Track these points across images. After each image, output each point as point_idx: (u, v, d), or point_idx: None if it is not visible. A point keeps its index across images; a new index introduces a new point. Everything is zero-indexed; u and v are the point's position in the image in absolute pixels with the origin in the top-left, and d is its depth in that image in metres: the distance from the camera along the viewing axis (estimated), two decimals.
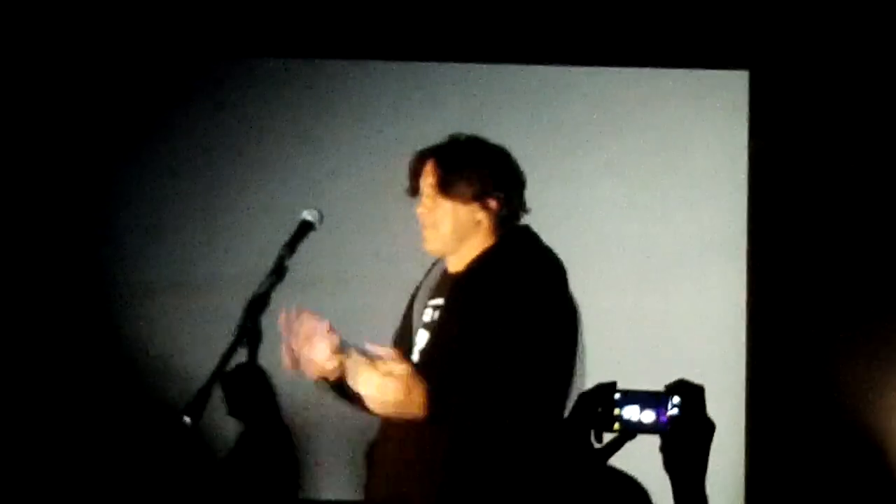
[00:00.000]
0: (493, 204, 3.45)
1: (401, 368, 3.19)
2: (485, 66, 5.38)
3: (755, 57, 5.24)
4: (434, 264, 3.58)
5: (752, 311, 5.18)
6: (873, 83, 5.25)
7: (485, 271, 3.44)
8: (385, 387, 3.22)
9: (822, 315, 5.22)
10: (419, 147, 3.75)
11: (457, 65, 5.41)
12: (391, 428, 3.38)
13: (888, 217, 5.28)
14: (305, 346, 3.35)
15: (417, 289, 3.60)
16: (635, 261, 5.19)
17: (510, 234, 3.50)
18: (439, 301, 3.47)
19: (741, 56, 5.23)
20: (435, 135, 3.54)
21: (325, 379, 3.41)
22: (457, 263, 3.47)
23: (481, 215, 3.46)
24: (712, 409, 2.24)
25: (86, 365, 5.51)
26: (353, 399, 3.39)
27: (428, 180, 3.48)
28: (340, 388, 3.42)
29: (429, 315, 3.50)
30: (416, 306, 3.56)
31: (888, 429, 5.21)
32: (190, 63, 5.56)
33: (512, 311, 3.34)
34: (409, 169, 3.54)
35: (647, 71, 5.26)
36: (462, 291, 3.43)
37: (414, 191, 3.54)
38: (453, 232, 3.47)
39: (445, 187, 3.45)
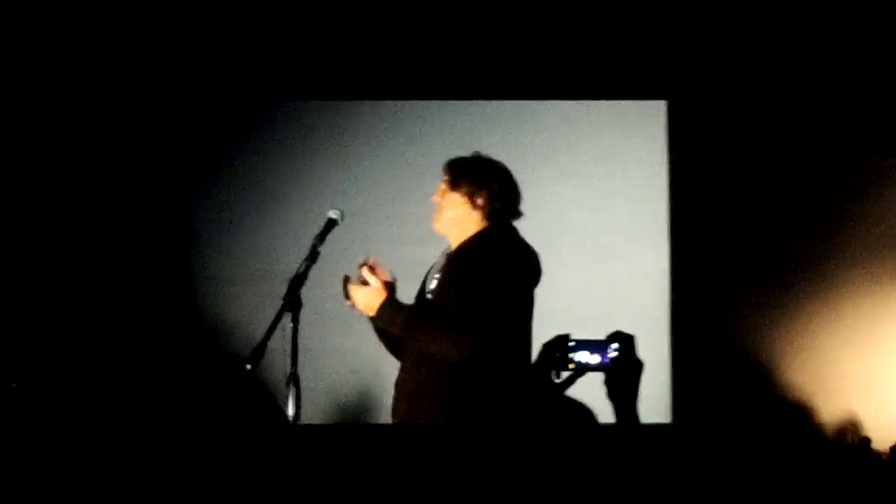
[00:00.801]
0: (481, 200, 3.57)
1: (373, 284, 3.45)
2: (472, 102, 5.29)
3: (672, 88, 5.21)
4: (443, 252, 3.65)
5: (673, 278, 5.18)
6: (772, 105, 5.24)
7: (466, 250, 3.56)
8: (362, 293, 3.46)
9: (728, 281, 5.24)
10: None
11: (433, 102, 5.31)
12: (407, 364, 3.52)
13: (776, 211, 5.31)
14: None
15: (430, 270, 3.68)
16: (584, 243, 5.19)
17: (493, 227, 3.58)
18: (437, 274, 3.60)
19: (660, 88, 5.20)
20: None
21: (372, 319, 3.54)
22: (453, 245, 3.60)
23: (475, 207, 3.58)
24: (642, 352, 2.26)
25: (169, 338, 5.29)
26: (385, 339, 3.59)
27: (442, 178, 3.64)
28: (380, 331, 3.59)
29: (433, 285, 3.60)
30: (427, 280, 3.65)
31: (778, 361, 5.24)
32: (248, 104, 5.41)
33: (478, 273, 3.47)
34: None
35: (589, 102, 5.24)
36: (451, 263, 3.56)
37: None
38: (452, 216, 3.58)
39: (453, 183, 3.61)
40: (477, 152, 3.69)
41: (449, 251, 3.62)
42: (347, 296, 3.54)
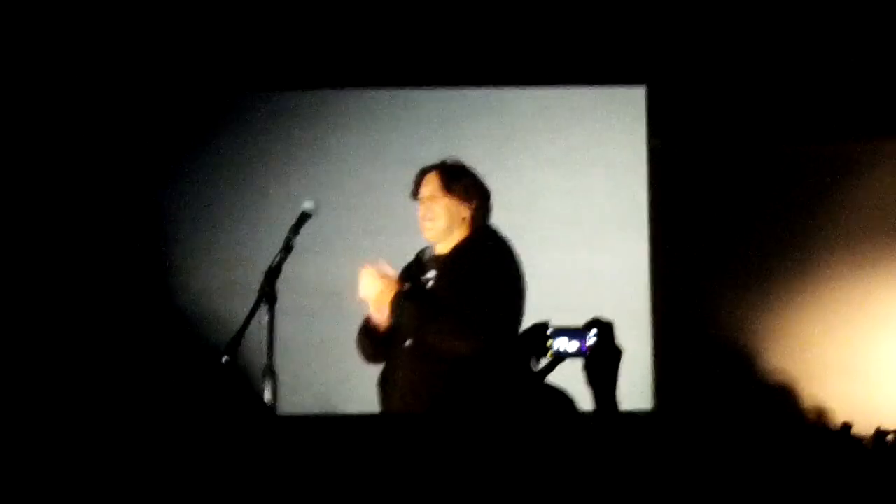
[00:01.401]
0: (473, 205, 3.69)
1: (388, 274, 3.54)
2: (449, 90, 5.26)
3: (651, 73, 5.22)
4: (421, 252, 3.75)
5: (653, 265, 5.18)
6: (753, 90, 5.25)
7: (465, 252, 3.67)
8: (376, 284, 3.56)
9: (709, 268, 5.27)
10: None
11: (408, 90, 5.26)
12: (401, 357, 3.58)
13: (757, 198, 5.32)
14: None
15: (410, 270, 3.74)
16: (563, 231, 5.18)
17: (481, 230, 3.72)
18: (431, 274, 3.68)
19: (640, 73, 5.20)
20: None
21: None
22: (443, 248, 3.70)
23: (466, 213, 3.68)
24: (621, 339, 2.28)
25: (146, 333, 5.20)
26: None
27: (431, 185, 3.70)
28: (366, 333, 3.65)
29: (426, 283, 3.66)
30: (415, 277, 3.70)
31: (758, 347, 5.26)
32: (225, 96, 5.35)
33: (482, 274, 3.60)
34: (415, 179, 3.74)
35: (567, 89, 5.24)
36: (450, 265, 3.65)
37: (416, 195, 3.74)
38: (447, 224, 3.66)
39: (447, 189, 3.68)
40: (444, 159, 3.76)
41: (433, 254, 3.71)
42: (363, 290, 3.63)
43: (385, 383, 3.65)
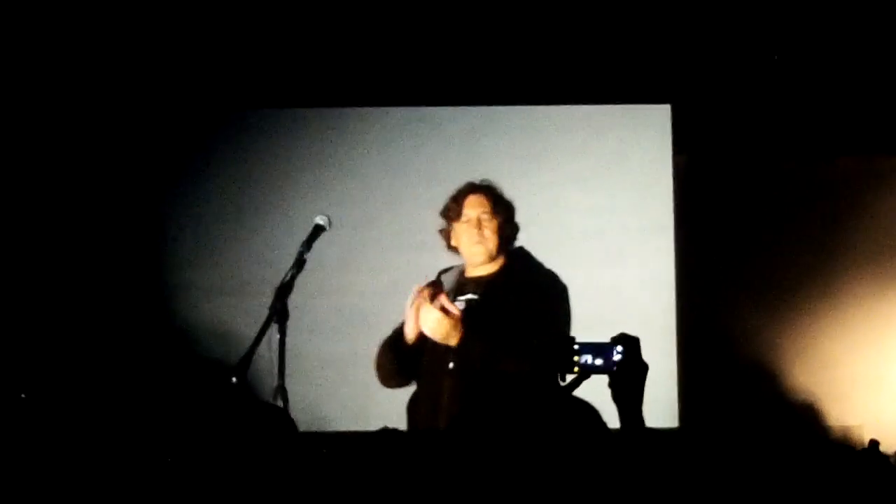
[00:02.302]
0: (508, 228, 3.68)
1: (455, 313, 3.47)
2: (472, 108, 5.26)
3: (676, 91, 5.23)
4: (444, 272, 3.69)
5: (678, 281, 5.18)
6: (776, 107, 5.25)
7: (518, 275, 3.64)
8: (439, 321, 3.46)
9: (734, 285, 5.26)
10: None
11: (431, 108, 5.25)
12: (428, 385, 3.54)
13: (782, 215, 5.32)
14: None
15: (433, 284, 3.63)
16: (590, 248, 5.17)
17: (518, 251, 3.72)
18: (472, 296, 3.62)
19: (664, 91, 5.22)
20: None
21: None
22: (483, 270, 3.66)
23: (508, 234, 3.68)
24: (647, 355, 2.27)
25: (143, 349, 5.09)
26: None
27: (480, 207, 3.66)
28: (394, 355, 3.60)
29: (461, 305, 3.59)
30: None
31: (784, 365, 5.24)
32: (228, 111, 5.31)
33: (543, 297, 3.59)
34: (454, 199, 3.69)
35: (593, 107, 5.24)
36: (499, 289, 3.61)
37: (457, 216, 3.68)
38: (496, 246, 3.64)
39: (495, 211, 3.65)
40: (487, 180, 3.72)
41: (471, 277, 3.65)
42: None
43: (422, 406, 3.56)
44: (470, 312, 3.55)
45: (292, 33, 5.15)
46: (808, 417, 5.17)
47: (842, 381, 5.19)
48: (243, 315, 4.80)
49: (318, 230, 3.50)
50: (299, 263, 3.42)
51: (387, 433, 2.32)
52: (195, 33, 5.12)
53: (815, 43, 5.13)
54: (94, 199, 5.22)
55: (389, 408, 3.70)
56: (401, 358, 3.61)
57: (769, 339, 5.23)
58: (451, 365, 3.51)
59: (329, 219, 3.51)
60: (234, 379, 3.04)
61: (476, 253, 3.65)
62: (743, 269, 5.29)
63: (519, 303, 3.55)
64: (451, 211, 3.70)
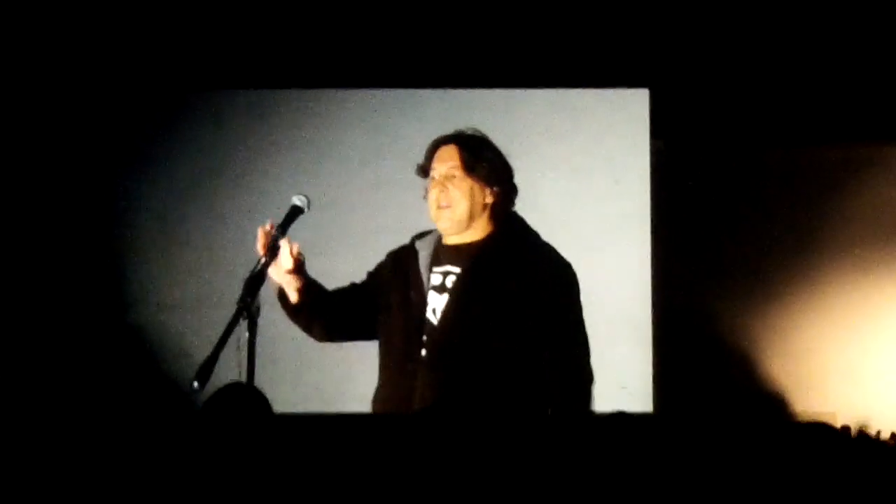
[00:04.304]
0: (497, 190, 3.16)
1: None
2: (444, 91, 5.20)
3: (654, 77, 5.23)
4: (418, 238, 3.26)
5: (654, 269, 5.18)
6: (756, 92, 5.27)
7: (506, 246, 3.14)
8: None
9: (710, 271, 5.31)
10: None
11: (428, 91, 5.19)
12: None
13: (759, 202, 5.36)
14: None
15: (405, 251, 3.22)
16: (564, 234, 5.08)
17: (512, 218, 3.21)
18: (451, 268, 3.16)
19: (642, 76, 5.21)
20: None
21: (283, 293, 3.14)
22: (464, 238, 3.16)
23: (489, 199, 3.16)
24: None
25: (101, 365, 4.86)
26: (296, 317, 3.19)
27: (449, 161, 3.16)
28: (292, 307, 3.17)
29: (437, 279, 3.15)
30: (422, 271, 3.16)
31: (760, 352, 5.29)
32: (190, 94, 5.17)
33: (547, 279, 3.09)
34: (427, 152, 3.21)
35: (570, 91, 5.21)
36: (485, 262, 3.11)
37: (425, 172, 3.20)
38: (468, 211, 3.13)
39: (469, 168, 3.13)
40: (462, 129, 3.24)
41: (448, 245, 3.16)
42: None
43: (390, 405, 3.10)
44: (448, 289, 3.10)
45: (279, 13, 5.10)
46: (780, 405, 5.23)
47: (816, 370, 5.25)
48: (208, 326, 4.67)
49: (295, 211, 3.06)
50: (272, 250, 3.00)
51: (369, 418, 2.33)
52: (179, 14, 5.02)
53: (798, 28, 5.13)
54: (37, 194, 5.02)
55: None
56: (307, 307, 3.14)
57: (744, 327, 5.28)
58: (423, 353, 3.08)
59: (308, 199, 3.07)
60: (195, 384, 2.61)
61: (441, 218, 3.14)
62: (719, 256, 5.34)
63: (514, 282, 3.06)
64: (422, 167, 3.21)
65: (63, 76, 5.04)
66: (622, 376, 4.46)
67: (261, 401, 2.27)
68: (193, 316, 4.98)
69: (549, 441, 1.71)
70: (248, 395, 2.26)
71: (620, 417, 2.24)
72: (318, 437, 2.47)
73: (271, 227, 3.04)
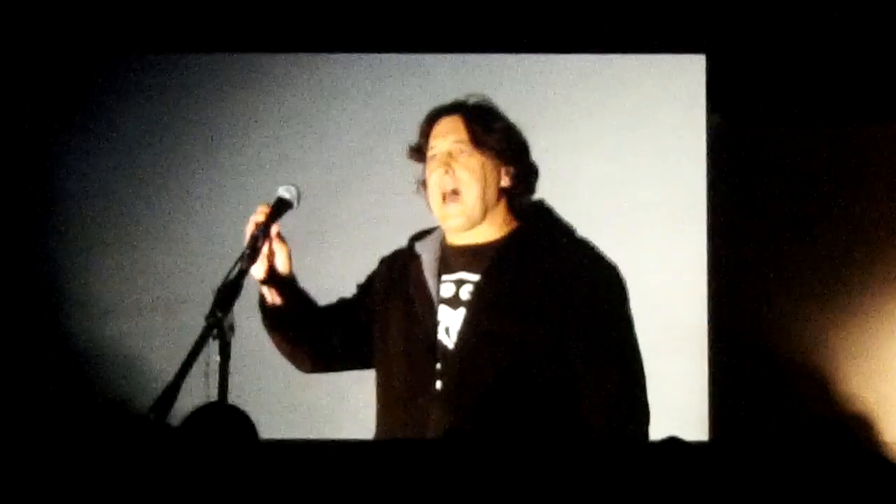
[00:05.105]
0: (514, 170, 3.04)
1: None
2: (461, 56, 5.21)
3: (711, 42, 5.23)
4: (416, 238, 3.14)
5: (711, 269, 5.19)
6: (817, 61, 5.27)
7: (533, 245, 3.01)
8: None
9: (777, 271, 5.31)
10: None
11: (436, 55, 5.20)
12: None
13: (833, 187, 5.35)
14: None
15: (403, 256, 3.10)
16: (608, 223, 5.07)
17: (538, 209, 3.07)
18: (465, 276, 3.01)
19: (699, 41, 5.21)
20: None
21: (263, 300, 3.01)
22: (477, 237, 3.02)
23: (505, 181, 3.01)
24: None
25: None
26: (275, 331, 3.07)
27: (452, 137, 3.01)
28: (273, 323, 3.04)
29: (449, 290, 3.02)
30: (427, 280, 3.02)
31: (835, 369, 5.30)
32: (154, 55, 5.15)
33: (592, 289, 2.96)
34: (421, 127, 3.08)
35: (610, 57, 5.23)
36: (509, 266, 2.97)
37: (420, 153, 3.07)
38: (481, 198, 2.98)
39: (478, 140, 2.98)
40: (463, 98, 3.08)
41: (463, 246, 3.00)
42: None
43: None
44: (464, 302, 2.96)
45: None
46: (860, 431, 5.24)
47: None
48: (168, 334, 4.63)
49: (281, 206, 2.95)
50: (253, 253, 2.87)
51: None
52: None
53: None
54: None
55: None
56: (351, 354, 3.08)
57: (816, 339, 5.29)
58: (437, 384, 2.94)
59: (297, 190, 2.96)
60: (151, 415, 2.45)
61: (447, 214, 2.96)
62: (789, 255, 5.34)
63: (547, 291, 2.89)
64: (416, 146, 3.06)
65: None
66: (673, 397, 4.47)
67: (246, 424, 2.31)
68: (155, 325, 4.95)
69: (593, 474, 1.74)
70: (230, 417, 2.29)
71: (671, 445, 2.26)
72: (311, 466, 2.48)
73: (265, 216, 2.92)
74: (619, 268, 3.11)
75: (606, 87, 5.28)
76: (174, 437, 2.18)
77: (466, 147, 2.98)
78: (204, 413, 2.30)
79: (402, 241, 3.26)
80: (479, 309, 2.94)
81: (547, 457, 1.80)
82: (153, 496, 2.14)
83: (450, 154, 2.98)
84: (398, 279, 3.07)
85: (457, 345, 2.92)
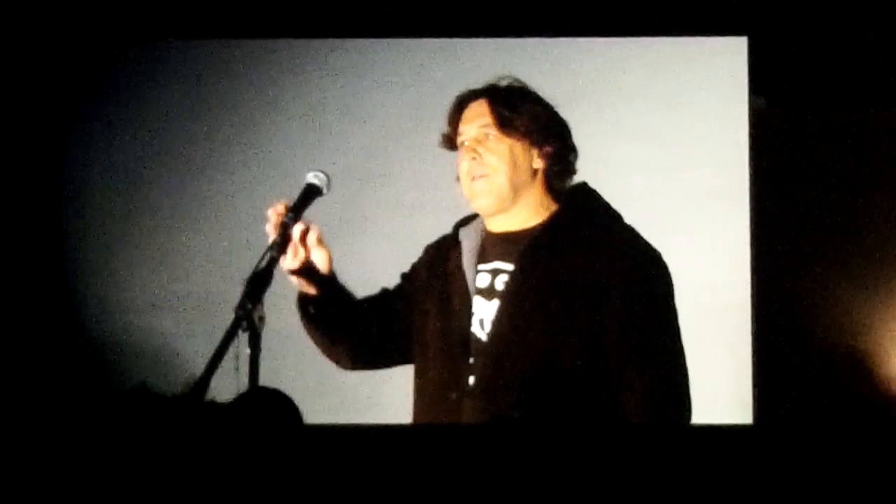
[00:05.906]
0: (548, 150, 2.99)
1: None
2: (498, 40, 5.19)
3: (753, 24, 5.20)
4: (462, 224, 3.10)
5: (754, 254, 5.17)
6: (862, 41, 5.25)
7: (572, 231, 2.94)
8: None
9: (822, 256, 5.30)
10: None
11: (467, 40, 5.19)
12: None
13: (882, 171, 5.34)
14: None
15: (447, 243, 3.06)
16: (645, 212, 4.97)
17: (578, 192, 3.01)
18: (500, 265, 2.96)
19: (740, 23, 5.18)
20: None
21: (305, 298, 2.96)
22: (514, 223, 2.97)
23: (539, 164, 2.97)
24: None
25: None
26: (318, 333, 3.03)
27: (478, 122, 2.98)
28: (311, 319, 3.00)
29: (485, 280, 2.97)
30: (465, 270, 2.96)
31: (883, 352, 5.30)
32: (176, 42, 5.13)
33: (634, 278, 2.89)
34: (450, 114, 3.07)
35: (649, 40, 5.21)
36: (545, 254, 2.91)
37: (451, 142, 3.04)
38: (510, 180, 2.94)
39: (505, 124, 2.94)
40: (496, 80, 3.03)
41: (501, 233, 2.94)
42: None
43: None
44: (498, 293, 2.89)
45: None
46: None
47: None
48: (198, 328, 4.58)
49: (311, 192, 2.91)
50: (283, 242, 2.84)
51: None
52: None
53: None
54: None
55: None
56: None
57: (861, 324, 5.28)
58: (470, 379, 2.89)
59: (327, 176, 2.92)
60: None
61: (477, 193, 2.91)
62: (834, 238, 5.33)
63: (587, 281, 2.81)
64: (447, 135, 3.03)
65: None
66: (717, 382, 4.46)
67: (291, 409, 2.35)
68: (186, 319, 4.91)
69: (634, 458, 1.76)
70: (277, 402, 2.33)
71: (715, 431, 2.27)
72: (353, 451, 2.49)
73: (285, 210, 2.88)
74: (663, 255, 3.07)
75: (647, 71, 5.28)
76: (220, 420, 2.22)
77: (493, 131, 2.95)
78: (250, 397, 2.34)
79: (443, 230, 3.23)
80: (513, 300, 2.88)
81: (591, 443, 1.82)
82: (196, 480, 2.18)
83: (477, 140, 2.96)
84: (438, 268, 3.03)
85: (490, 338, 2.86)
